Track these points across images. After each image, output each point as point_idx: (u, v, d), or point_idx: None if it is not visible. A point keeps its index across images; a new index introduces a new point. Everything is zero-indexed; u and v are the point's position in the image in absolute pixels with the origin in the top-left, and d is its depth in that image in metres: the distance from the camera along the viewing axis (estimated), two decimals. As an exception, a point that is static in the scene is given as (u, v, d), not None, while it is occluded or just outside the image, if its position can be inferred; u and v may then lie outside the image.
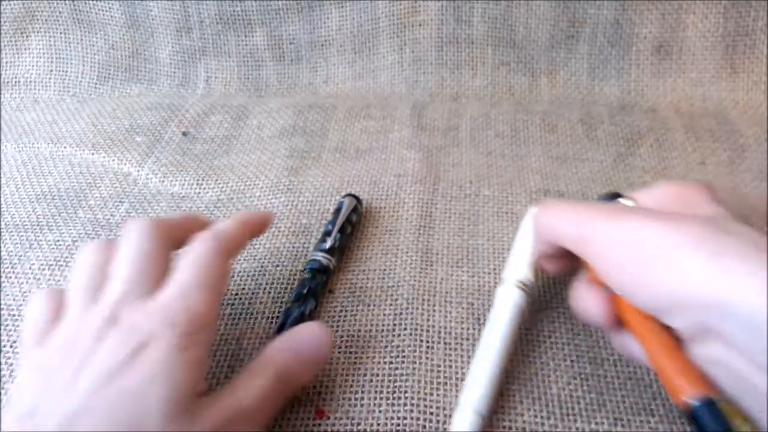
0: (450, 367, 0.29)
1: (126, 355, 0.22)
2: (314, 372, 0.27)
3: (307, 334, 0.26)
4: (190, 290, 0.24)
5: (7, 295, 0.33)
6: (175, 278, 0.25)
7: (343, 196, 0.37)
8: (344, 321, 0.31)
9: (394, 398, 0.27)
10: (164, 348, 0.22)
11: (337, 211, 0.36)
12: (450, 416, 0.27)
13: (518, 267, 0.29)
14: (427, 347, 0.30)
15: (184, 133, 0.47)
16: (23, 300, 0.33)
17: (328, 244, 0.33)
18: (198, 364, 0.23)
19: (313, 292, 0.31)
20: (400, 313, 0.31)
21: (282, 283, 0.33)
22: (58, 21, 0.53)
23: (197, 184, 0.41)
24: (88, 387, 0.21)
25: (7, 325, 0.32)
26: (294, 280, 0.34)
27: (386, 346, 0.30)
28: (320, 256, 0.33)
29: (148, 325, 0.23)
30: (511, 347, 0.28)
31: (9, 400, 0.22)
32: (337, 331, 0.31)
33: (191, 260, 0.25)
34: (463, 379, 0.28)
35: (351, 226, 0.36)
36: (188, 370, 0.22)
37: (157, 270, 0.25)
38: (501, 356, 0.27)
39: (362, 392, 0.28)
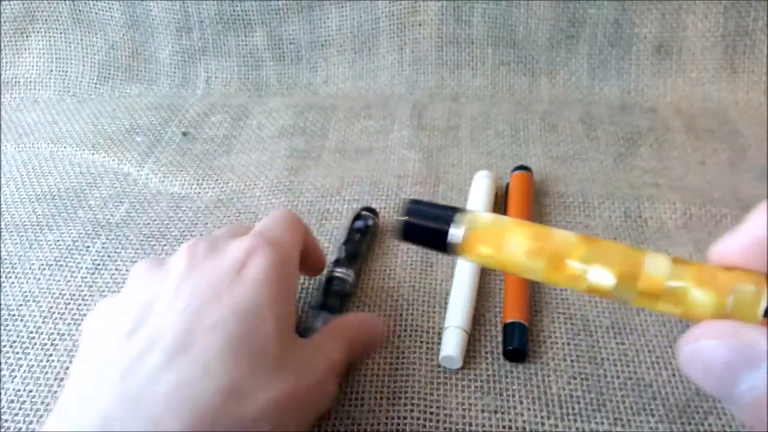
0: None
1: (229, 269, 0.22)
2: (363, 358, 0.28)
3: (370, 323, 0.27)
4: (274, 229, 0.26)
5: (7, 295, 0.33)
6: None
7: (361, 210, 0.36)
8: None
9: (394, 398, 0.27)
10: (264, 263, 0.23)
11: (352, 226, 0.35)
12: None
13: None
14: (427, 347, 0.30)
15: (184, 133, 0.47)
16: (23, 300, 0.33)
17: (335, 256, 0.33)
18: (293, 293, 0.24)
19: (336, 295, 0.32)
20: (401, 314, 0.31)
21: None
22: (58, 21, 0.53)
23: (197, 184, 0.41)
24: (196, 306, 0.21)
25: (7, 325, 0.32)
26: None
27: (386, 346, 0.30)
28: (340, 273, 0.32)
29: (244, 247, 0.24)
30: (477, 278, 0.33)
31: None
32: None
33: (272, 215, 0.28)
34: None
35: (360, 234, 0.35)
36: (288, 294, 0.23)
37: None
38: (472, 287, 0.32)
39: (362, 392, 0.28)
